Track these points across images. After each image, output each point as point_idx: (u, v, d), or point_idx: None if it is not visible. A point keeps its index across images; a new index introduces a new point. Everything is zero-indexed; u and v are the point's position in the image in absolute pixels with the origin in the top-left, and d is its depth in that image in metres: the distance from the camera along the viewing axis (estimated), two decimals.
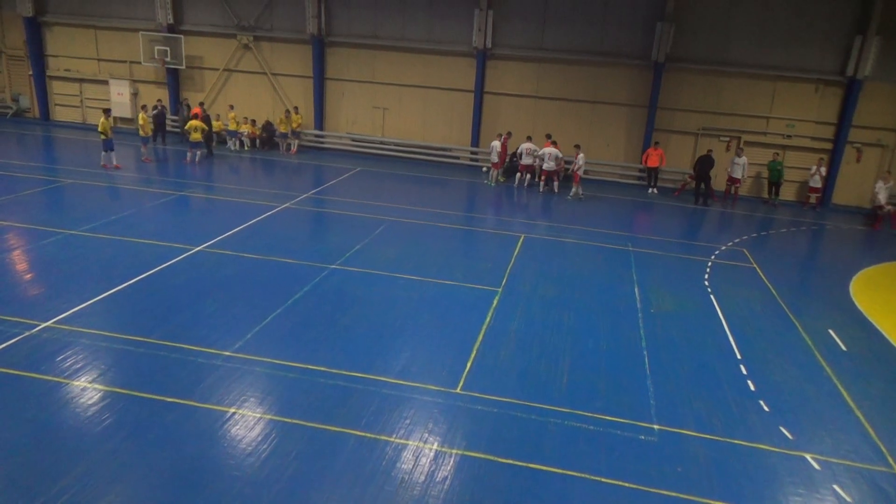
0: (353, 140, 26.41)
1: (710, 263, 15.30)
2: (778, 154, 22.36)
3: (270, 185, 20.90)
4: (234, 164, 23.39)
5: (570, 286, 13.11)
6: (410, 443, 7.62)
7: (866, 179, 22.54)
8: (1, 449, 7.01)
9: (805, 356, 10.80)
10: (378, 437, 7.67)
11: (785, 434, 8.40)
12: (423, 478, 7.03)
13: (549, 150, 21.58)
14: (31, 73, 28.01)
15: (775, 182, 22.39)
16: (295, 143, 25.86)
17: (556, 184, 21.88)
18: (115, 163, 20.64)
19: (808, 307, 13.09)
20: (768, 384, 9.70)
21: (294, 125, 25.60)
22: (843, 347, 11.22)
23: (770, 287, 13.97)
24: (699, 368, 10.04)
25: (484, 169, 24.31)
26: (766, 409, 9.00)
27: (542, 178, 21.87)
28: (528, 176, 22.40)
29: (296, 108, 25.85)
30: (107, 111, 20.46)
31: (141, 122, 21.85)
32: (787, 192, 22.98)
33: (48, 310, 10.27)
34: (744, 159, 21.91)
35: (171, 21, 25.98)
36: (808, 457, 7.97)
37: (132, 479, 6.71)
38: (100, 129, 20.07)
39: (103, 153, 20.52)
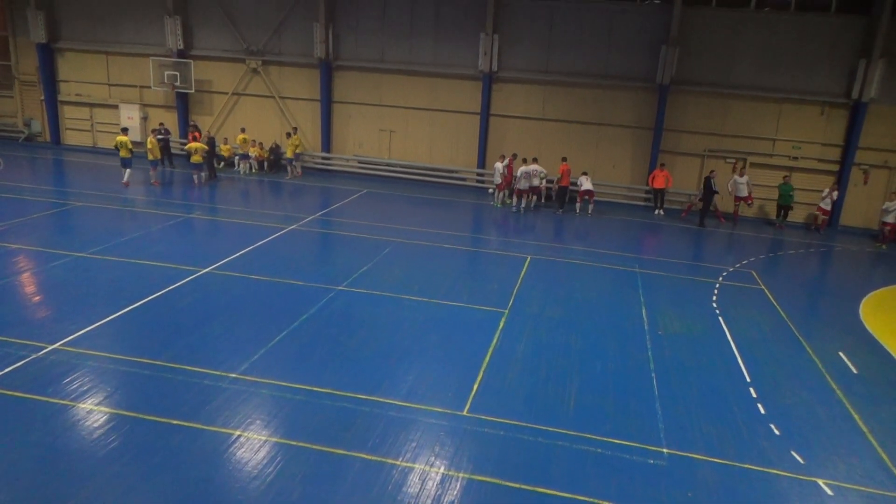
0: (360, 162, 26.58)
1: (717, 285, 15.23)
2: (788, 176, 22.34)
3: (277, 207, 21.01)
4: (241, 186, 23.56)
5: (577, 308, 13.06)
6: (417, 466, 7.56)
7: (873, 201, 22.49)
8: (7, 472, 6.99)
9: (815, 379, 10.69)
10: (384, 459, 7.61)
11: (796, 458, 8.29)
12: (429, 502, 6.95)
13: (534, 167, 21.83)
14: (42, 98, 28.41)
15: (785, 205, 22.31)
16: (297, 167, 25.63)
17: (534, 199, 22.34)
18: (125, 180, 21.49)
19: (817, 330, 12.98)
20: (779, 408, 9.60)
21: (293, 148, 25.26)
22: (854, 370, 11.09)
23: (779, 309, 13.87)
24: (708, 391, 9.94)
25: (490, 190, 24.38)
26: (776, 432, 8.89)
27: (527, 195, 22.09)
28: (535, 197, 22.46)
29: (294, 129, 25.84)
30: (125, 130, 21.59)
31: (149, 145, 22.05)
32: (794, 214, 22.92)
33: (55, 332, 10.30)
34: (745, 178, 21.94)
35: (181, 46, 26.37)
36: (820, 482, 7.84)
37: (138, 502, 6.67)
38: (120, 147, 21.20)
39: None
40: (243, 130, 25.78)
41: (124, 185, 21.33)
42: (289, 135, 25.62)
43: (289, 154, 25.33)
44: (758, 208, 23.40)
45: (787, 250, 19.58)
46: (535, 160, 22.30)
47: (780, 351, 11.74)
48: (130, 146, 21.53)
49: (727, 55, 22.60)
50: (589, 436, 8.40)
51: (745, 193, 22.00)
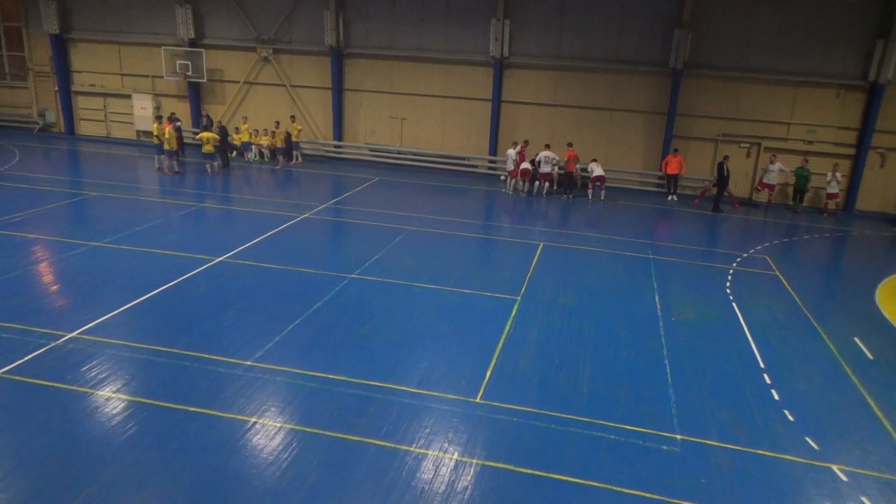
0: (372, 150, 26.58)
1: (731, 271, 15.14)
2: (806, 161, 22.09)
3: (290, 195, 21.08)
4: (253, 175, 23.64)
5: (589, 295, 13.04)
6: (430, 452, 7.61)
7: (890, 185, 22.22)
8: (27, 458, 7.12)
9: (830, 365, 10.63)
10: (398, 446, 7.68)
11: (811, 444, 8.26)
12: (443, 487, 7.01)
13: (547, 153, 21.75)
14: (56, 88, 28.60)
15: (801, 189, 22.12)
16: (292, 156, 25.47)
17: (546, 185, 22.20)
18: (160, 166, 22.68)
19: (832, 315, 12.89)
20: (793, 394, 9.56)
21: (288, 135, 24.99)
22: (870, 356, 11.01)
23: (793, 295, 13.78)
24: (722, 378, 9.91)
25: (502, 177, 24.32)
26: (790, 418, 8.86)
27: (539, 180, 22.13)
28: (547, 184, 22.38)
29: (292, 116, 25.63)
30: (159, 118, 22.58)
31: (167, 135, 22.09)
32: (810, 199, 22.68)
33: (73, 321, 10.44)
34: (777, 165, 21.66)
35: (193, 36, 26.41)
36: (834, 468, 7.82)
37: (156, 488, 6.78)
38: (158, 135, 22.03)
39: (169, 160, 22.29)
40: (245, 120, 25.80)
41: (158, 171, 22.42)
42: (293, 118, 25.48)
43: (295, 139, 25.25)
44: (776, 193, 23.09)
45: (803, 235, 19.40)
46: (547, 146, 22.21)
47: (795, 337, 11.67)
48: (167, 136, 21.77)
49: (741, 38, 22.30)
50: (602, 422, 8.41)
51: (773, 182, 21.75)
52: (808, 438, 8.39)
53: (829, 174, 21.64)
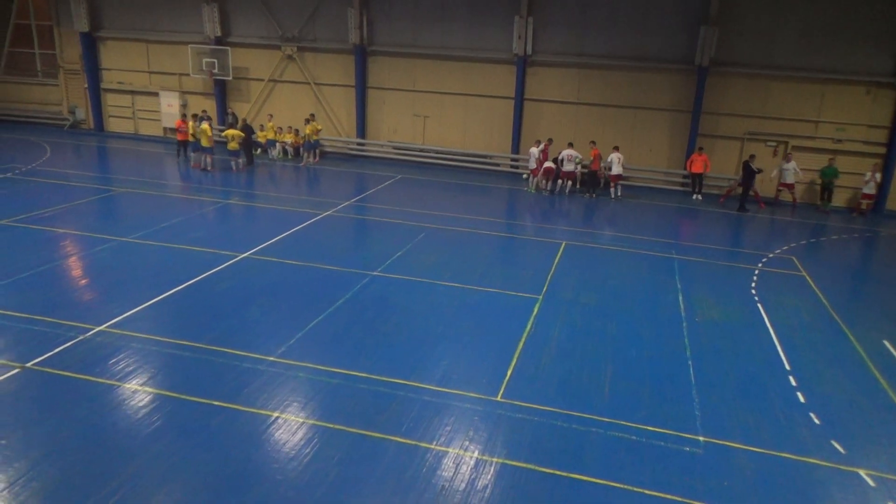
0: (394, 148, 26.65)
1: (757, 271, 14.93)
2: (833, 159, 21.71)
3: (313, 192, 21.24)
4: (277, 172, 23.85)
5: (612, 294, 12.96)
6: (451, 450, 7.64)
7: None
8: (56, 449, 7.28)
9: (858, 368, 10.44)
10: (419, 443, 7.71)
11: (837, 448, 8.13)
12: (463, 485, 7.03)
13: (570, 152, 21.73)
14: (86, 86, 29.12)
15: (828, 187, 21.75)
16: (309, 154, 25.21)
17: (569, 184, 22.17)
18: (193, 163, 23.10)
19: (861, 317, 12.65)
20: (819, 396, 9.41)
21: (306, 134, 24.87)
22: None
23: (821, 296, 13.55)
24: (746, 379, 9.79)
25: (524, 176, 24.24)
26: (816, 421, 8.73)
27: (561, 179, 22.10)
28: (570, 183, 22.27)
29: (311, 115, 25.51)
30: (194, 116, 23.40)
31: (209, 132, 22.35)
32: (838, 199, 22.28)
33: (102, 314, 10.64)
34: (792, 164, 21.35)
35: (219, 34, 26.71)
36: (861, 472, 7.69)
37: (180, 480, 6.89)
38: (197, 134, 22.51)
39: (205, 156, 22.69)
40: (271, 117, 26.03)
41: (202, 170, 22.63)
42: (307, 120, 25.38)
43: (310, 139, 25.09)
44: (802, 192, 22.72)
45: (830, 235, 19.06)
46: (570, 145, 22.09)
47: (822, 339, 11.49)
48: (210, 133, 22.28)
49: (768, 35, 21.95)
50: (624, 422, 8.37)
51: (790, 180, 21.43)
52: (834, 442, 8.25)
53: (869, 174, 21.18)
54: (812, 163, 22.16)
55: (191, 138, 22.97)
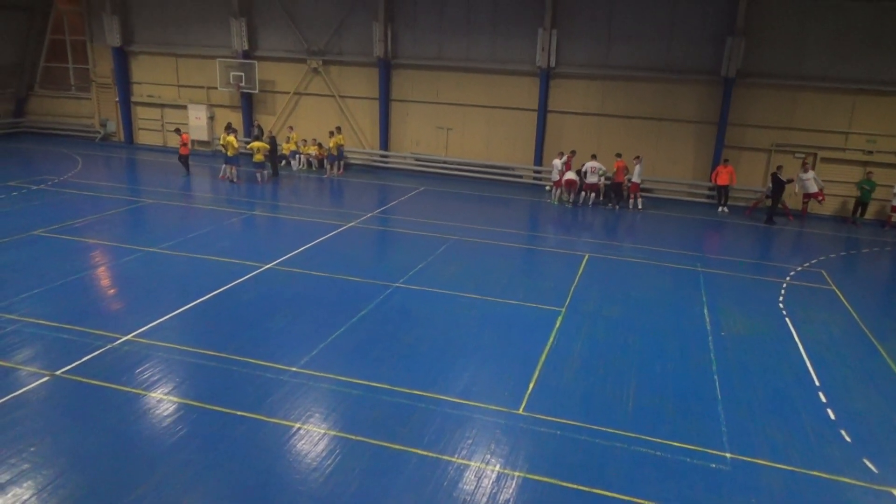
0: (417, 160, 26.77)
1: (784, 285, 14.67)
2: (871, 172, 21.27)
3: (336, 204, 21.41)
4: (301, 184, 24.09)
5: (636, 307, 12.82)
6: (472, 463, 7.60)
7: None
8: (83, 456, 7.39)
9: (890, 384, 10.18)
10: (440, 456, 7.68)
11: (869, 467, 7.93)
12: (485, 499, 6.98)
13: (593, 164, 21.69)
14: (117, 99, 29.76)
15: (865, 202, 21.31)
16: (333, 166, 25.50)
17: (592, 196, 22.13)
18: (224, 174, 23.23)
19: (893, 332, 12.35)
20: (850, 413, 9.20)
21: (330, 145, 25.13)
22: None
23: (851, 310, 13.27)
24: (774, 395, 9.61)
25: (547, 188, 24.18)
26: (847, 439, 8.52)
27: (584, 191, 22.09)
28: (593, 195, 22.16)
29: (338, 127, 25.72)
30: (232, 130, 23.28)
31: (236, 144, 22.78)
32: (868, 211, 21.81)
33: (129, 324, 10.81)
34: (811, 174, 21.00)
35: (246, 48, 27.14)
36: (894, 492, 7.48)
37: (204, 490, 6.95)
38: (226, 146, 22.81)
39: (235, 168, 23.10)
40: (291, 129, 26.33)
41: (229, 181, 22.87)
42: (332, 133, 25.51)
43: (333, 151, 25.32)
44: (832, 205, 22.30)
45: (861, 249, 18.68)
46: (593, 157, 22.00)
47: (852, 354, 11.23)
48: (237, 145, 22.82)
49: (797, 45, 21.67)
50: (648, 438, 8.25)
51: (813, 189, 21.09)
52: (866, 460, 8.05)
53: None
54: (841, 175, 21.75)
55: (220, 149, 23.44)
